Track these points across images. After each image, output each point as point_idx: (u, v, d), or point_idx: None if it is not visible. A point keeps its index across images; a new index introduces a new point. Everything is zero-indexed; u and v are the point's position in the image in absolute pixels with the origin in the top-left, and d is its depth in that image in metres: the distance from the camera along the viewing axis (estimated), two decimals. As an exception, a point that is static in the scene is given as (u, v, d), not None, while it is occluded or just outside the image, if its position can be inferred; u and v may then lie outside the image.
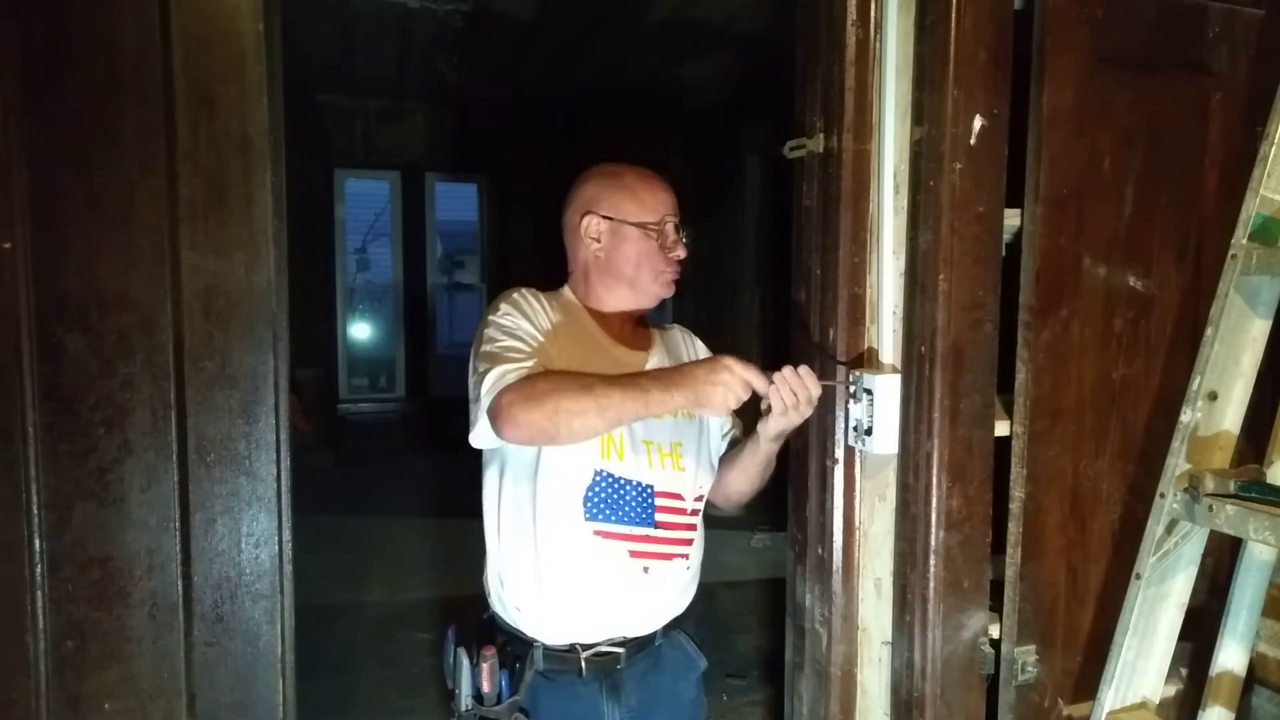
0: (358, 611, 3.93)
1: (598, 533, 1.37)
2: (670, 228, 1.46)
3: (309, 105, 6.61)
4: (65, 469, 1.51)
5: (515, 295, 1.43)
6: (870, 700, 1.80)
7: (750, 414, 1.50)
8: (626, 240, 1.45)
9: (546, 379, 1.27)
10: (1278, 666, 1.83)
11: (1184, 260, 1.76)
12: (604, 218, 1.45)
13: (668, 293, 1.49)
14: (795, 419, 1.37)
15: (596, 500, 1.37)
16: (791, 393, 1.32)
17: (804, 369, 1.34)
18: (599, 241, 1.46)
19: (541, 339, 1.38)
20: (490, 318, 1.40)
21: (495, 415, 1.26)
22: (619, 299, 1.48)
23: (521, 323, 1.38)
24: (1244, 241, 1.49)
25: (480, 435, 1.32)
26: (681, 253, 1.48)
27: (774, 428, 1.40)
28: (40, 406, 1.48)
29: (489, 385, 1.28)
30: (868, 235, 1.72)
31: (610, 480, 1.38)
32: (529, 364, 1.31)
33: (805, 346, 1.82)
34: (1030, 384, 1.64)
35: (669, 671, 1.50)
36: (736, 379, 1.26)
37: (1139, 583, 1.56)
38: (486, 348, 1.34)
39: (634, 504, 1.39)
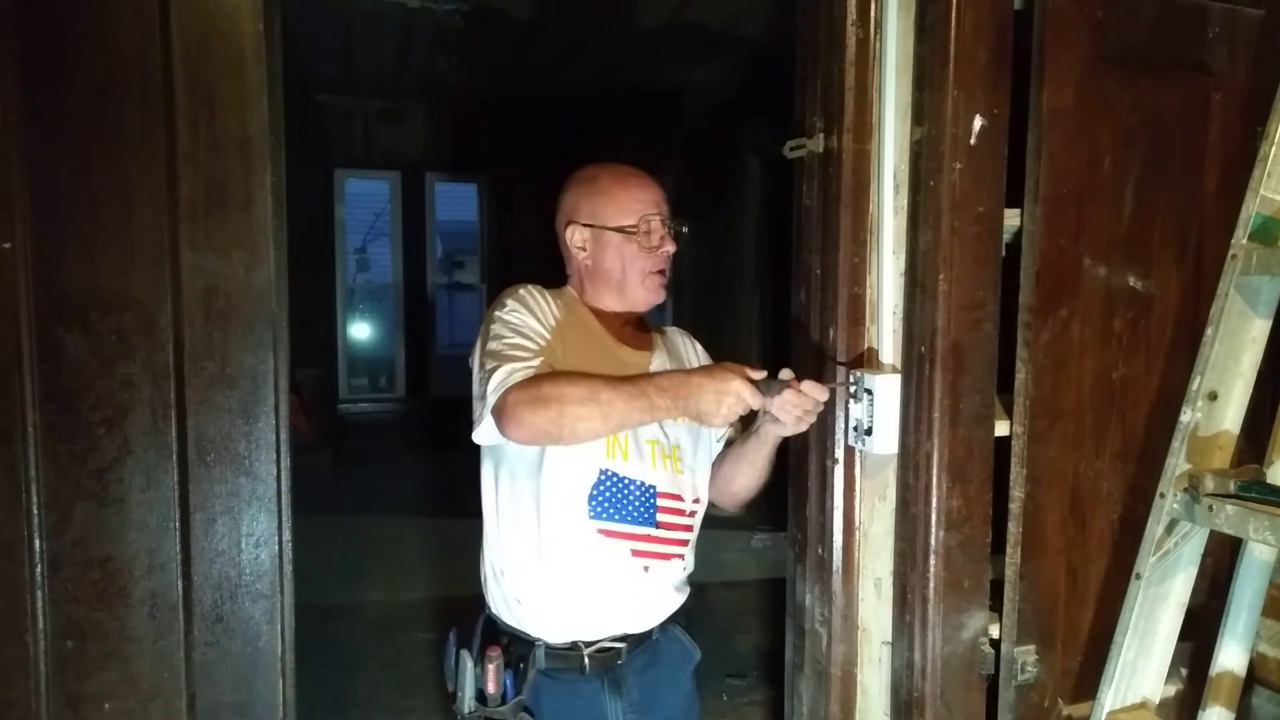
0: (358, 611, 3.93)
1: (601, 531, 1.38)
2: (655, 223, 1.44)
3: (309, 105, 6.61)
4: (65, 469, 1.51)
5: (522, 292, 1.43)
6: (870, 700, 1.80)
7: (750, 415, 1.50)
8: (608, 246, 1.44)
9: (552, 381, 1.27)
10: (1278, 666, 1.83)
11: (1184, 260, 1.76)
12: (585, 226, 1.45)
13: (657, 298, 1.48)
14: (808, 423, 1.37)
15: (601, 499, 1.37)
16: (797, 407, 1.32)
17: (806, 383, 1.32)
18: (584, 250, 1.46)
19: (548, 337, 1.38)
20: (496, 314, 1.39)
21: (500, 414, 1.26)
22: (612, 303, 1.48)
23: (528, 319, 1.38)
24: (1244, 241, 1.49)
25: (484, 433, 1.32)
26: (669, 247, 1.46)
27: (786, 433, 1.41)
28: (40, 406, 1.48)
29: (495, 384, 1.28)
30: (868, 235, 1.72)
31: (615, 480, 1.38)
32: (535, 363, 1.31)
33: (805, 347, 1.81)
34: (1030, 384, 1.64)
35: (668, 664, 1.50)
36: (740, 402, 1.25)
37: (1139, 583, 1.56)
38: (493, 345, 1.34)
39: (637, 504, 1.39)
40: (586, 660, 1.41)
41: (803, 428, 1.38)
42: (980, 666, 1.69)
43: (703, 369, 1.36)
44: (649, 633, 1.47)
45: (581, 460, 1.37)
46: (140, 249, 1.51)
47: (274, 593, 1.62)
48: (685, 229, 1.49)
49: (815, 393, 1.33)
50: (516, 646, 1.43)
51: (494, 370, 1.29)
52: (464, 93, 6.55)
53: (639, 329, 1.54)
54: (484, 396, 1.29)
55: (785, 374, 1.33)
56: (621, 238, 1.43)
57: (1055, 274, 1.64)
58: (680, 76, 5.64)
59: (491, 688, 1.39)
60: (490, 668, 1.39)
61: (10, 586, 1.49)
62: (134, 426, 1.53)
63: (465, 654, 1.42)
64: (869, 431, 1.67)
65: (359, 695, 3.14)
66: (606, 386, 1.26)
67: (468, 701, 1.40)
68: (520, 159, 7.05)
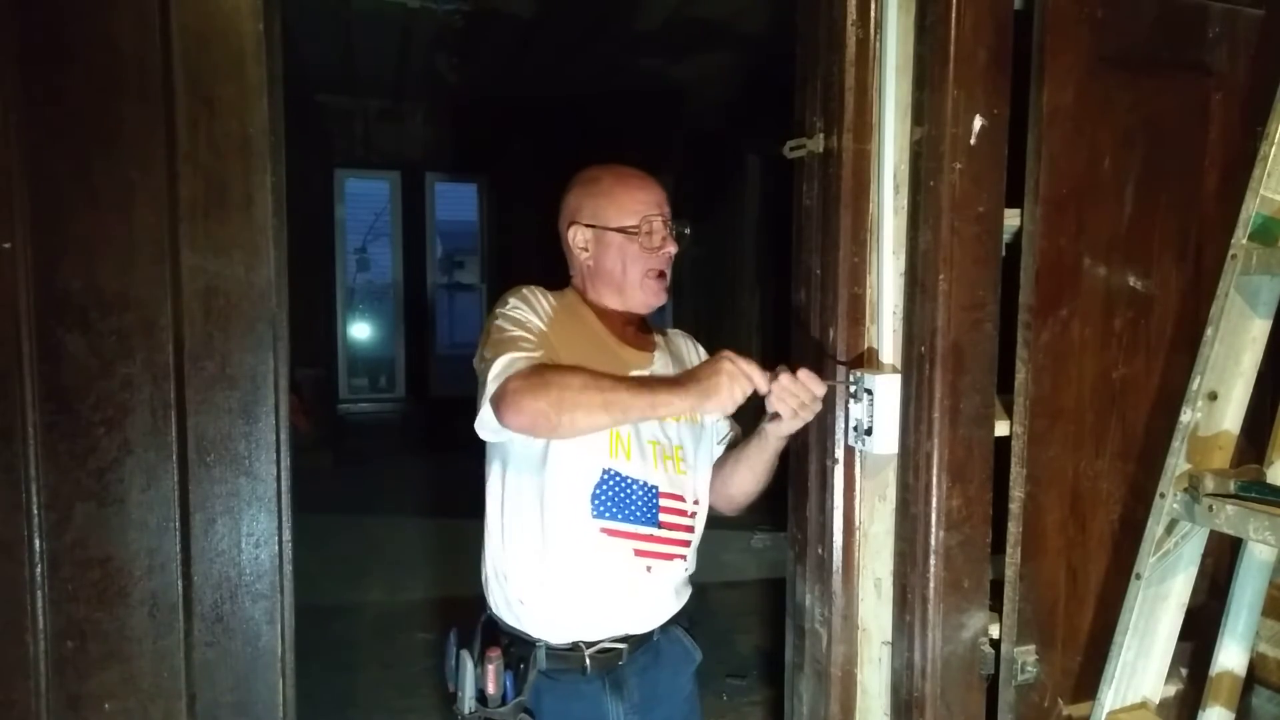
0: (358, 611, 3.93)
1: (604, 530, 1.38)
2: (657, 224, 1.45)
3: (309, 105, 6.61)
4: (65, 469, 1.50)
5: (524, 291, 1.44)
6: (870, 700, 1.80)
7: (748, 417, 1.50)
8: (610, 246, 1.45)
9: (554, 369, 1.28)
10: (1278, 666, 1.83)
11: (1184, 260, 1.75)
12: (587, 226, 1.46)
13: (658, 300, 1.49)
14: (805, 417, 1.37)
15: (604, 498, 1.38)
16: (794, 397, 1.32)
17: (803, 372, 1.34)
18: (587, 250, 1.47)
19: (548, 334, 1.38)
20: (499, 310, 1.41)
21: (499, 400, 1.26)
22: (614, 303, 1.49)
23: (530, 316, 1.39)
24: (1244, 241, 1.49)
25: (484, 423, 1.32)
26: (671, 248, 1.46)
27: (785, 430, 1.41)
28: (40, 406, 1.48)
29: (496, 371, 1.28)
30: (868, 235, 1.72)
31: (618, 479, 1.39)
32: (537, 354, 1.31)
33: (805, 346, 1.81)
34: (1030, 384, 1.64)
35: (668, 666, 1.51)
36: (737, 369, 1.26)
37: (1139, 583, 1.56)
38: (495, 338, 1.35)
39: (639, 504, 1.40)
40: (588, 661, 1.41)
41: (799, 423, 1.38)
42: (980, 666, 1.69)
43: (699, 364, 1.37)
44: (650, 634, 1.47)
45: (584, 459, 1.37)
46: (140, 249, 1.51)
47: (274, 593, 1.62)
48: (687, 230, 1.50)
49: (812, 383, 1.33)
50: (517, 647, 1.43)
51: (495, 360, 1.30)
52: (464, 93, 6.54)
53: (641, 330, 1.54)
54: (484, 385, 1.30)
55: (781, 369, 1.34)
56: (623, 238, 1.44)
57: (1055, 274, 1.64)
58: (681, 76, 5.64)
59: (491, 688, 1.40)
60: (490, 668, 1.40)
61: (10, 586, 1.49)
62: (134, 426, 1.53)
63: (465, 654, 1.43)
64: (869, 431, 1.67)
65: (359, 695, 3.14)
66: (608, 377, 1.28)
67: (468, 702, 1.41)
68: (520, 159, 7.04)
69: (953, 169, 1.58)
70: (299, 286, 1.74)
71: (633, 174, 1.49)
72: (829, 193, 1.74)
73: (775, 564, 4.12)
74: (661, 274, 1.48)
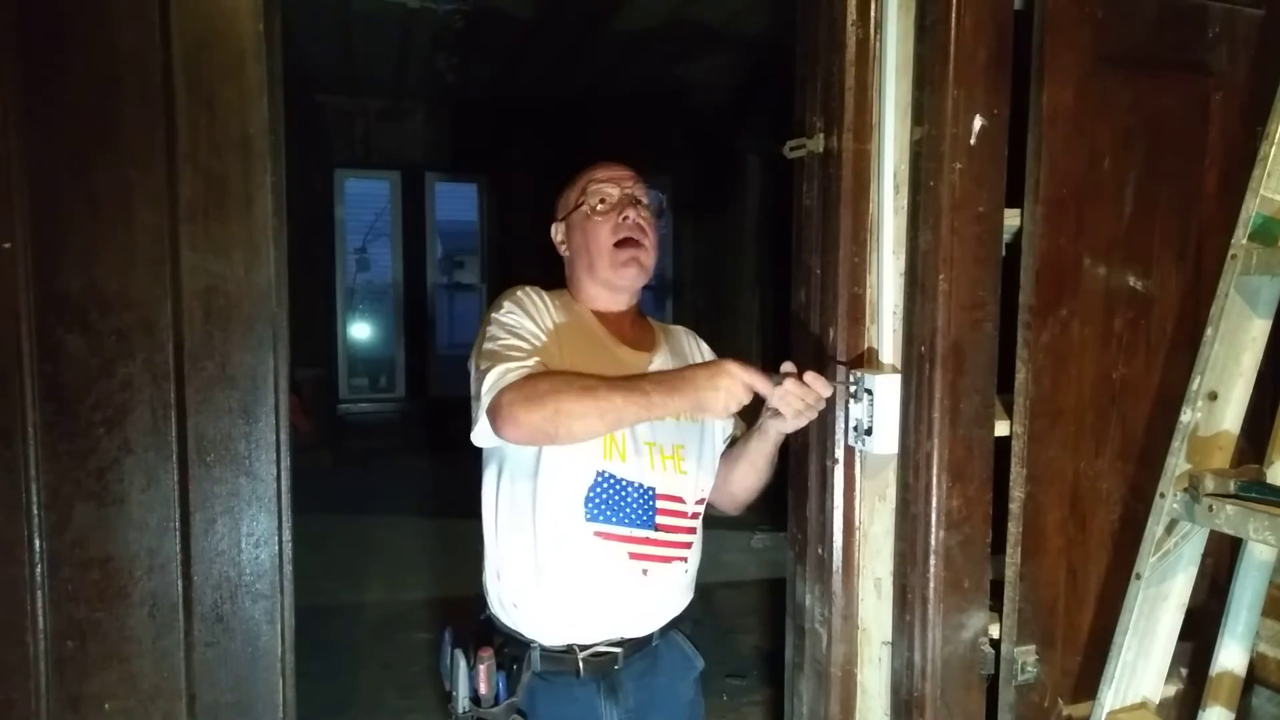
0: (357, 611, 3.93)
1: (598, 534, 1.37)
2: (607, 189, 1.46)
3: (309, 105, 6.61)
4: (65, 469, 1.50)
5: (519, 293, 1.44)
6: (870, 700, 1.80)
7: (751, 414, 1.50)
8: (574, 228, 1.49)
9: (548, 379, 1.27)
10: (1278, 666, 1.83)
11: (1184, 260, 1.76)
12: (560, 221, 1.52)
13: (628, 270, 1.44)
14: (809, 416, 1.37)
15: (598, 501, 1.37)
16: (799, 399, 1.32)
17: (810, 375, 1.33)
18: (564, 243, 1.52)
19: (544, 338, 1.37)
20: (493, 315, 1.40)
21: (495, 414, 1.26)
22: (598, 295, 1.48)
23: (524, 321, 1.38)
24: (1244, 241, 1.49)
25: (480, 434, 1.32)
26: (631, 212, 1.44)
27: (788, 428, 1.41)
28: (40, 406, 1.48)
29: (489, 384, 1.28)
30: (868, 235, 1.72)
31: (612, 481, 1.38)
32: (530, 363, 1.30)
33: (805, 346, 1.81)
34: (1030, 384, 1.64)
35: (666, 672, 1.49)
36: (737, 383, 1.25)
37: (1139, 583, 1.56)
38: (488, 345, 1.34)
39: (635, 506, 1.39)
40: (581, 664, 1.40)
41: (802, 422, 1.38)
42: (980, 666, 1.69)
43: (700, 364, 1.36)
44: (648, 638, 1.46)
45: (578, 462, 1.36)
46: (140, 249, 1.51)
47: (274, 593, 1.62)
48: (663, 201, 1.50)
49: (819, 385, 1.33)
50: (511, 648, 1.42)
51: (489, 370, 1.29)
52: (464, 93, 6.55)
53: (641, 329, 1.54)
54: (479, 397, 1.30)
55: (787, 367, 1.33)
56: (580, 214, 1.47)
57: (1055, 274, 1.64)
58: (681, 76, 5.64)
59: (484, 688, 1.39)
60: (482, 668, 1.39)
61: (10, 586, 1.49)
62: (134, 426, 1.53)
63: (459, 653, 1.42)
64: (869, 431, 1.67)
65: (359, 695, 3.15)
66: (603, 384, 1.26)
67: (462, 701, 1.40)
68: (520, 159, 7.05)
69: (953, 169, 1.58)
70: (299, 286, 1.74)
71: (598, 163, 1.52)
72: (829, 193, 1.74)
73: (775, 564, 4.12)
74: (630, 241, 1.44)
